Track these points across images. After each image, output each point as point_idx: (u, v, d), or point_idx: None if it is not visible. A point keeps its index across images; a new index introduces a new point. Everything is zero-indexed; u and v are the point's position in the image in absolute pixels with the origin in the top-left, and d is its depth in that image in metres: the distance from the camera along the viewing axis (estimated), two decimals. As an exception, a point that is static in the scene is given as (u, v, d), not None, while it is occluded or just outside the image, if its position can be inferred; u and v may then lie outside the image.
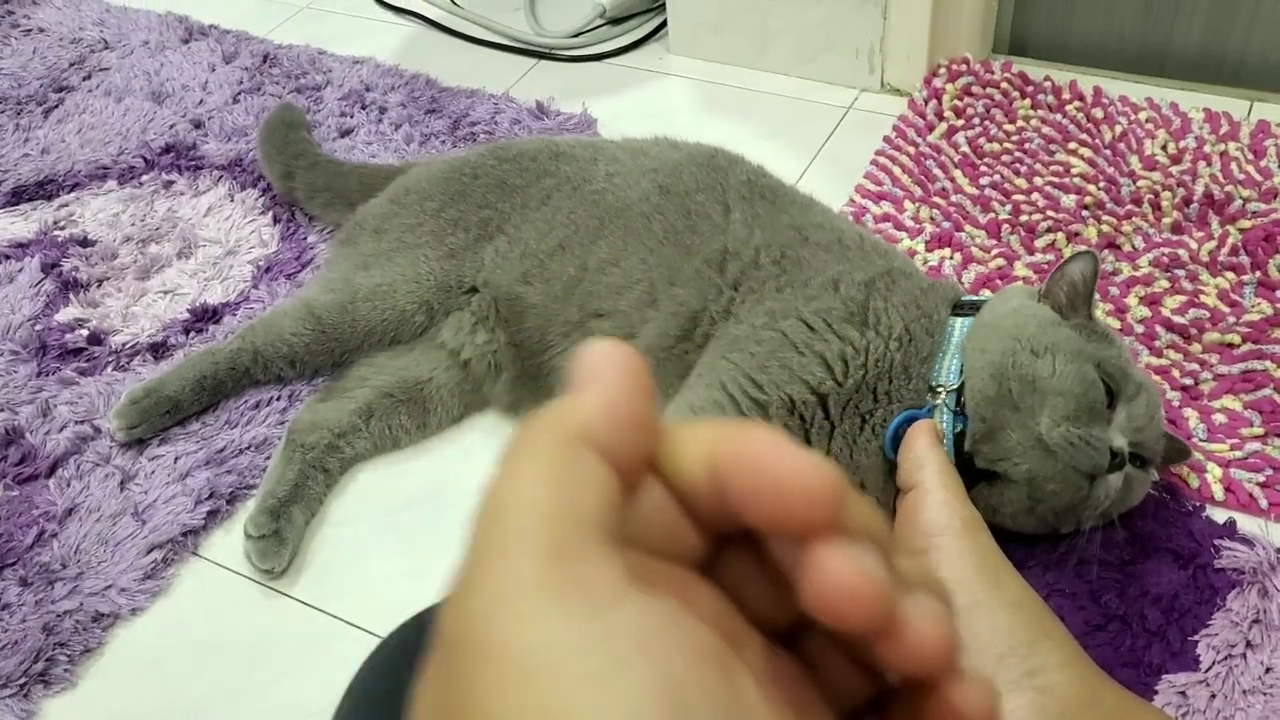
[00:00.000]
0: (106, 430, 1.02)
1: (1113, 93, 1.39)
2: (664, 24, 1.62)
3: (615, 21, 1.67)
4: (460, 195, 1.07)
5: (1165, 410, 0.98)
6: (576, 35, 1.64)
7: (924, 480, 0.75)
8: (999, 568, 0.70)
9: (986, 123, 1.36)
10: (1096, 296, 0.91)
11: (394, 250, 1.07)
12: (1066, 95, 1.39)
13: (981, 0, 1.45)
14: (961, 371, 0.82)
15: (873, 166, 1.32)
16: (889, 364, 0.83)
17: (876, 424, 0.82)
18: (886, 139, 1.36)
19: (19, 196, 1.36)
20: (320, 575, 0.93)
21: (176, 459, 1.00)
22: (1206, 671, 0.78)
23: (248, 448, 1.01)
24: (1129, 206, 1.21)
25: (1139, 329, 1.06)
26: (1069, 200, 1.22)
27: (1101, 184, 1.25)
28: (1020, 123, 1.36)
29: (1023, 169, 1.28)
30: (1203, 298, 1.09)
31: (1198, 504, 0.90)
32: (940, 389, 0.81)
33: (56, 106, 1.54)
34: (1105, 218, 1.20)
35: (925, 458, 0.76)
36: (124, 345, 1.13)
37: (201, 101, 1.52)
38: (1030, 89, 1.40)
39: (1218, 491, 0.91)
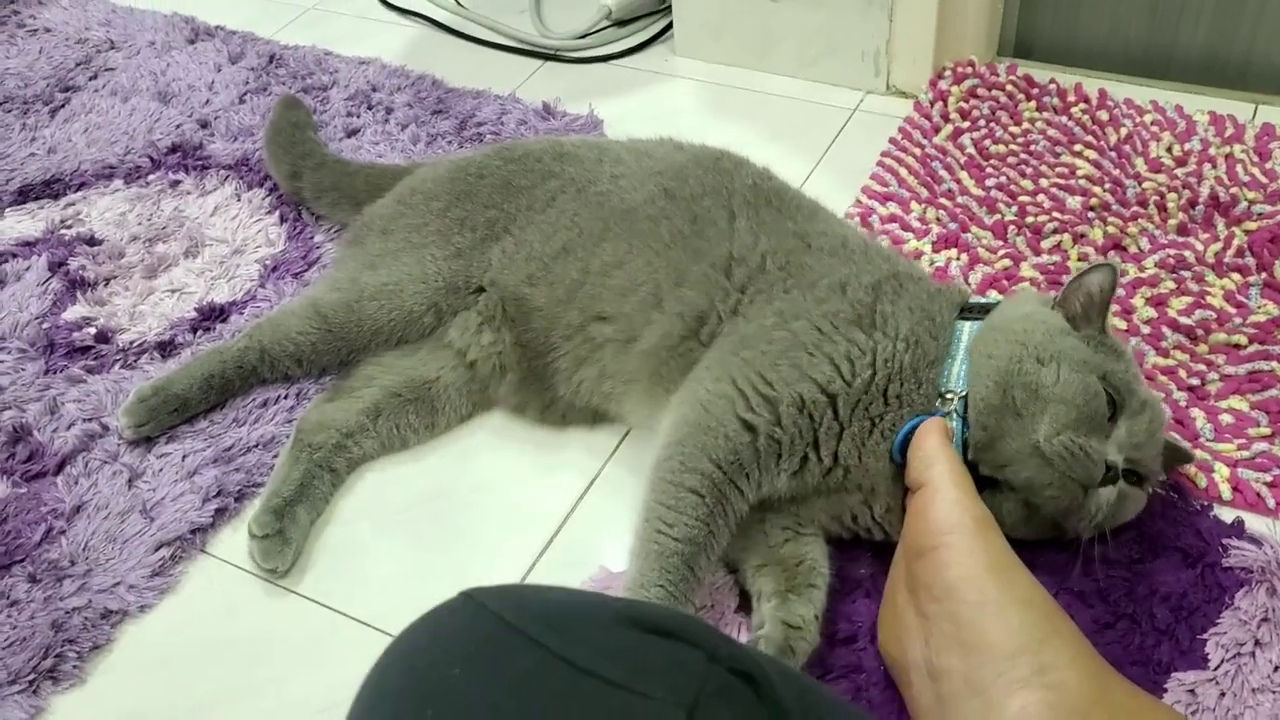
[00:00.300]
0: (114, 428, 1.02)
1: (1118, 95, 1.40)
2: (670, 26, 1.63)
3: (621, 23, 1.68)
4: (466, 195, 1.07)
5: (1172, 410, 0.98)
6: (582, 37, 1.65)
7: (934, 478, 0.75)
8: (1010, 565, 0.70)
9: (992, 125, 1.36)
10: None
11: (400, 250, 1.07)
12: (1072, 98, 1.40)
13: (987, 3, 1.46)
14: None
15: (879, 168, 1.32)
16: (897, 366, 0.82)
17: (885, 428, 0.82)
18: (893, 140, 1.36)
19: (26, 195, 1.36)
20: (328, 572, 0.93)
21: (184, 457, 1.00)
22: (1215, 670, 0.78)
23: (255, 446, 1.01)
24: (1134, 208, 1.22)
25: (1145, 330, 1.06)
26: (1075, 202, 1.22)
27: (1107, 185, 1.25)
28: (1026, 125, 1.36)
29: (1028, 171, 1.29)
30: (1209, 299, 1.09)
31: (1206, 503, 0.90)
32: (950, 395, 0.81)
33: (63, 106, 1.54)
34: (1111, 219, 1.20)
35: (935, 455, 0.76)
36: (131, 344, 1.13)
37: (208, 102, 1.52)
38: (1035, 91, 1.41)
39: (1225, 491, 0.91)
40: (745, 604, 0.86)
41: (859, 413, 0.82)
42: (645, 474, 0.84)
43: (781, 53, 1.53)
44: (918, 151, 1.33)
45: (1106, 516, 0.78)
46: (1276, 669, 0.77)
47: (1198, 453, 0.94)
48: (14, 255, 1.25)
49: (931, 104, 1.39)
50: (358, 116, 1.48)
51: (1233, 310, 1.08)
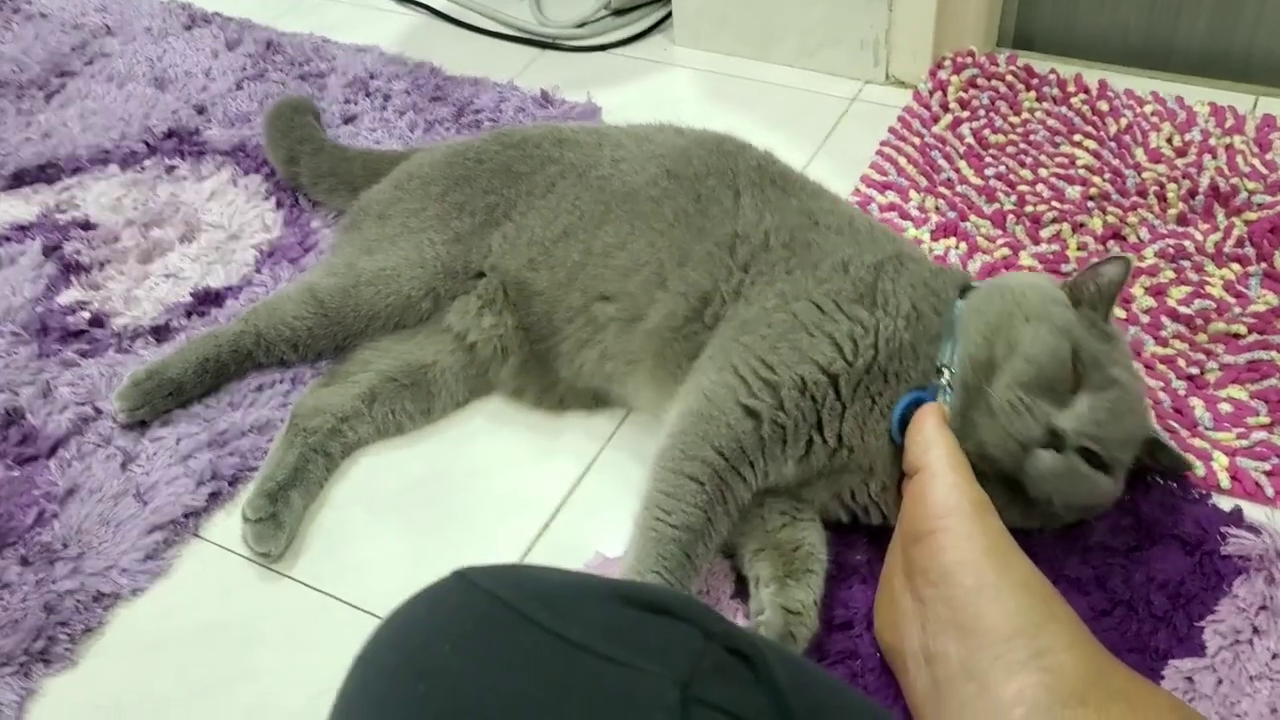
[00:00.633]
0: (108, 411, 1.02)
1: (1118, 87, 1.39)
2: (669, 15, 1.62)
3: (620, 12, 1.67)
4: (464, 180, 1.07)
5: (1171, 399, 0.98)
6: (581, 25, 1.64)
7: (931, 462, 0.75)
8: (1007, 549, 0.70)
9: (991, 114, 1.36)
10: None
11: (397, 235, 1.06)
12: (1072, 88, 1.39)
13: (987, -7, 1.45)
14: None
15: (878, 157, 1.31)
16: (899, 344, 0.82)
17: (885, 406, 0.82)
18: (892, 130, 1.36)
19: (20, 180, 1.35)
20: (321, 556, 0.92)
21: (178, 440, 0.99)
22: (1213, 657, 0.77)
23: (250, 430, 1.01)
24: (1134, 198, 1.21)
25: (1145, 319, 1.06)
26: (1074, 191, 1.22)
27: (1107, 175, 1.24)
28: (1025, 115, 1.36)
29: (1028, 160, 1.28)
30: (1208, 288, 1.09)
31: (1204, 492, 0.89)
32: (945, 368, 0.81)
33: (58, 91, 1.53)
34: (1111, 209, 1.20)
35: (933, 439, 0.76)
36: (126, 328, 1.12)
37: (204, 88, 1.51)
38: (1035, 81, 1.40)
39: (1224, 479, 0.91)
40: (741, 590, 0.86)
41: (861, 392, 0.82)
42: (648, 464, 0.83)
43: (781, 42, 1.52)
44: (917, 141, 1.32)
45: (1056, 490, 0.76)
46: (1274, 657, 0.77)
47: (1197, 441, 0.94)
48: (8, 239, 1.24)
49: (931, 94, 1.39)
50: (355, 104, 1.47)
51: (1232, 300, 1.07)
